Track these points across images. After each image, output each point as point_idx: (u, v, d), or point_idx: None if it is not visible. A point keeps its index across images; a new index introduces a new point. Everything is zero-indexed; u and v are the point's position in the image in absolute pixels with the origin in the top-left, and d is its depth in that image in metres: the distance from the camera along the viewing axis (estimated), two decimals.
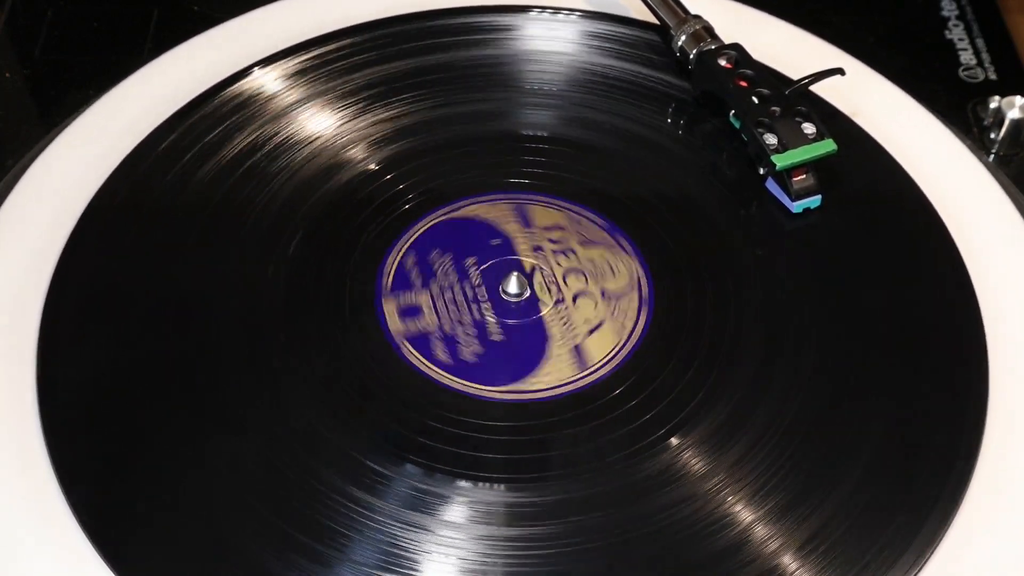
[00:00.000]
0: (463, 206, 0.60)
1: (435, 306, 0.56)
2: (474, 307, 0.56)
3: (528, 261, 0.58)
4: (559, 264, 0.58)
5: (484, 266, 0.58)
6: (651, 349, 0.55)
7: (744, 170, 0.62)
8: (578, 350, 0.55)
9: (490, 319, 0.56)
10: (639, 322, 0.56)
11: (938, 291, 0.57)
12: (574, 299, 0.57)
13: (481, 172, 0.62)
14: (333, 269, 0.58)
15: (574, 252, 0.58)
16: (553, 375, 0.54)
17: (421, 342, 0.55)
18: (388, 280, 0.56)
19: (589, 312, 0.56)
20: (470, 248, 0.58)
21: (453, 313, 0.56)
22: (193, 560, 0.48)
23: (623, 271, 0.58)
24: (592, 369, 0.54)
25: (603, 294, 0.57)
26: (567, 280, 0.58)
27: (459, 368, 0.54)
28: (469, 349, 0.55)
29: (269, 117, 0.63)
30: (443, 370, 0.54)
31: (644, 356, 0.55)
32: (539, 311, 0.56)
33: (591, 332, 0.56)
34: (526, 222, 0.59)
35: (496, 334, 0.55)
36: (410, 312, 0.56)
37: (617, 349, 0.55)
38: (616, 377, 0.54)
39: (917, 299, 0.57)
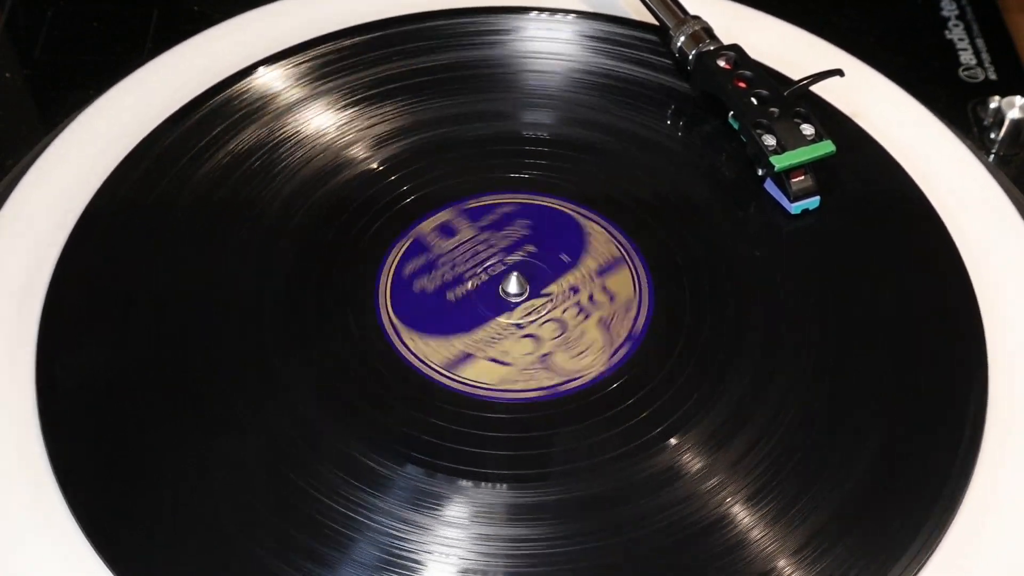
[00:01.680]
0: (414, 234, 0.60)
1: (463, 242, 0.58)
2: (476, 270, 0.58)
3: (555, 289, 0.57)
4: (563, 312, 0.57)
5: (529, 260, 0.58)
6: (650, 349, 0.55)
7: (743, 171, 0.62)
8: (469, 358, 0.55)
9: (468, 286, 0.57)
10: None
11: (938, 291, 0.57)
12: (524, 336, 0.56)
13: (481, 172, 0.62)
14: (333, 269, 0.58)
15: (586, 318, 0.57)
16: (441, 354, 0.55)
17: (417, 247, 0.58)
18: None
19: (519, 348, 0.56)
20: (546, 242, 0.59)
21: (461, 256, 0.58)
22: (193, 560, 0.48)
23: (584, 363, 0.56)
24: (572, 377, 0.54)
25: (542, 357, 0.56)
26: (545, 325, 0.56)
27: (402, 284, 0.56)
28: (425, 283, 0.57)
29: (269, 117, 0.63)
30: (392, 276, 0.56)
31: (643, 356, 0.55)
32: (496, 315, 0.57)
33: (492, 359, 0.55)
34: (602, 271, 0.58)
35: (454, 296, 0.57)
36: (447, 230, 0.58)
37: (636, 284, 0.57)
38: (616, 377, 0.54)
39: (916, 299, 0.57)
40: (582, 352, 0.55)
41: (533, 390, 0.54)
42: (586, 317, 0.56)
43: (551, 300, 0.57)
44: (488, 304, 0.57)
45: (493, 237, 0.59)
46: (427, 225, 0.58)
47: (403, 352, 0.55)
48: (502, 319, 0.56)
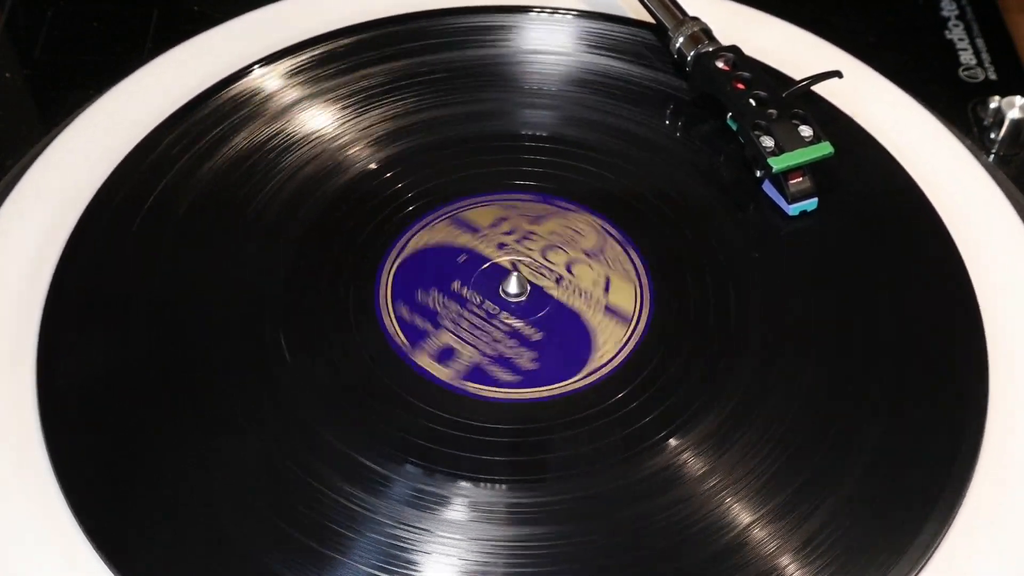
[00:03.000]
0: (424, 227, 0.59)
1: (463, 338, 0.55)
2: (496, 322, 0.56)
3: (504, 260, 0.58)
4: (530, 248, 0.58)
5: (471, 282, 0.57)
6: (650, 349, 0.55)
7: (742, 172, 0.62)
8: (610, 309, 0.55)
9: (517, 324, 0.56)
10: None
11: (938, 291, 0.57)
12: (568, 269, 0.57)
13: (481, 172, 0.62)
14: (333, 269, 0.58)
15: (534, 233, 0.59)
16: (611, 342, 0.55)
17: (479, 375, 0.54)
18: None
19: (589, 274, 0.57)
20: (445, 275, 0.58)
21: (483, 336, 0.56)
22: (193, 560, 0.48)
23: (585, 227, 0.58)
24: (636, 319, 0.55)
25: (587, 254, 0.57)
26: (549, 258, 0.58)
27: (531, 378, 0.54)
28: (524, 358, 0.55)
29: (269, 117, 0.63)
30: (518, 387, 0.54)
31: (643, 356, 0.55)
32: (550, 296, 0.56)
33: (607, 289, 0.56)
34: (472, 228, 0.59)
35: (534, 334, 0.55)
36: (446, 355, 0.55)
37: (639, 294, 0.56)
38: (615, 377, 0.54)
39: (917, 299, 0.57)
40: (617, 310, 0.56)
41: (602, 366, 0.54)
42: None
43: (550, 287, 0.57)
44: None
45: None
46: (444, 375, 0.55)
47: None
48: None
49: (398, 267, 0.57)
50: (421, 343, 0.55)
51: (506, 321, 0.56)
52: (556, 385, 0.54)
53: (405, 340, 0.55)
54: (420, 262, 0.58)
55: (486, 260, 0.58)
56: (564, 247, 0.58)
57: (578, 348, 0.55)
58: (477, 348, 0.55)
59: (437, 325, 0.56)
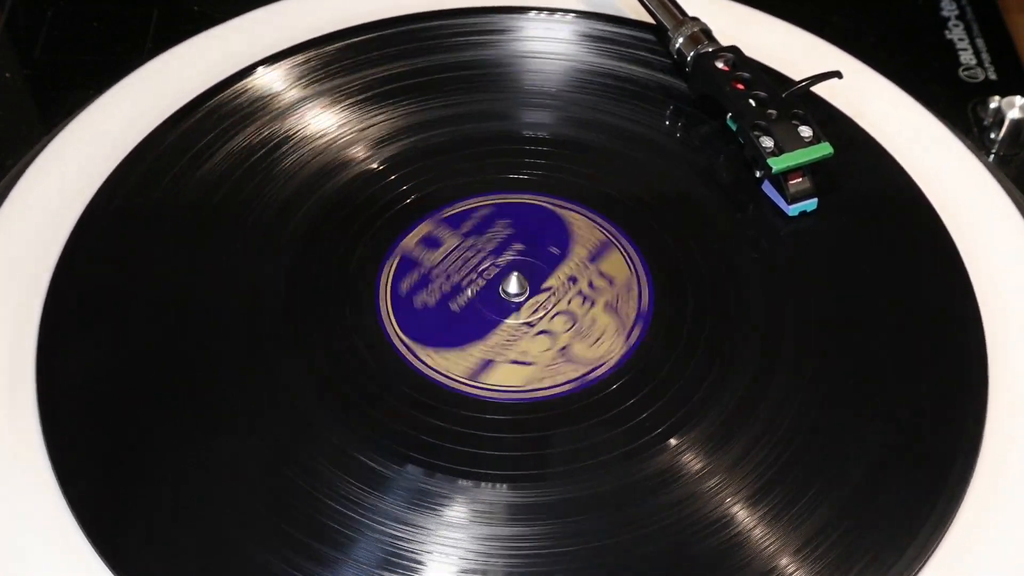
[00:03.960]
0: (399, 251, 0.59)
1: (450, 251, 0.58)
2: (471, 276, 0.57)
3: (554, 282, 0.58)
4: (568, 303, 0.57)
5: (519, 258, 0.58)
6: (650, 348, 0.55)
7: (742, 172, 0.62)
8: (488, 364, 0.55)
9: (467, 293, 0.57)
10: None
11: (938, 291, 0.57)
12: (538, 333, 0.56)
13: (481, 172, 0.62)
14: (333, 269, 0.58)
15: (592, 305, 0.57)
16: (608, 341, 0.55)
17: (407, 265, 0.57)
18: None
19: (534, 348, 0.56)
20: (533, 238, 0.59)
21: (453, 266, 0.57)
22: (193, 560, 0.48)
23: (604, 347, 0.56)
24: (637, 317, 0.55)
25: (562, 349, 0.55)
26: (555, 319, 0.57)
27: (402, 302, 0.56)
28: (425, 298, 0.56)
29: (269, 117, 0.63)
30: (391, 298, 0.56)
31: (643, 356, 0.55)
32: (504, 317, 0.56)
33: (513, 361, 0.55)
34: (594, 256, 0.59)
35: (456, 305, 0.56)
36: (431, 242, 0.57)
37: (637, 293, 0.56)
38: (615, 377, 0.54)
39: (916, 299, 0.57)
40: (598, 339, 0.55)
41: (533, 390, 0.54)
42: (592, 304, 0.56)
43: (553, 294, 0.57)
44: (493, 308, 0.57)
45: (479, 241, 0.59)
46: (410, 240, 0.58)
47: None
48: (511, 320, 0.56)
49: (530, 205, 0.59)
50: (443, 226, 0.58)
51: (471, 284, 0.57)
52: (554, 384, 0.54)
53: (401, 334, 0.55)
54: (549, 218, 0.59)
55: (552, 267, 0.58)
56: (571, 328, 0.56)
57: (444, 337, 0.55)
58: (439, 263, 0.58)
59: (468, 234, 0.58)
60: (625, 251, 0.59)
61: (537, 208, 0.60)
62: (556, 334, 0.56)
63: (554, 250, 0.58)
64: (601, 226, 0.59)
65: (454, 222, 0.59)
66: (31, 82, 0.71)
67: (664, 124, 0.65)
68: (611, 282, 0.56)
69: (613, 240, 0.58)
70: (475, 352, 0.55)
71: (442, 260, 0.57)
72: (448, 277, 0.57)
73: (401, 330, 0.55)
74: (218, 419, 0.52)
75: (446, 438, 0.52)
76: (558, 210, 0.59)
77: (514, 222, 0.59)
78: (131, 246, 0.58)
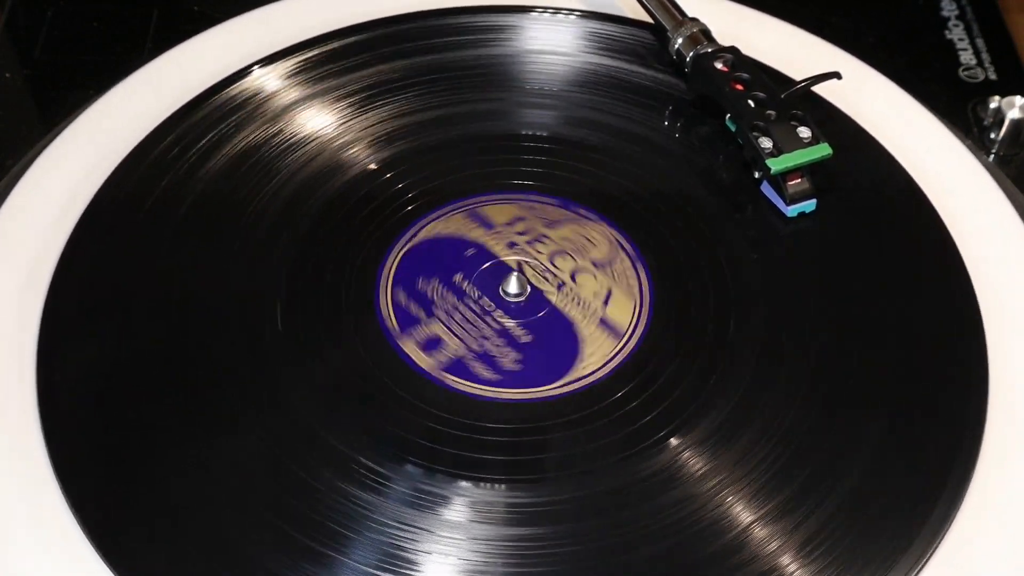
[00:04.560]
0: (438, 217, 0.59)
1: (452, 331, 0.56)
2: (488, 319, 0.56)
3: (511, 259, 0.58)
4: (539, 252, 0.58)
5: (474, 277, 0.58)
6: (650, 349, 0.55)
7: (741, 173, 0.62)
8: (605, 322, 0.55)
9: (509, 324, 0.56)
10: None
11: (937, 291, 0.57)
12: (572, 277, 0.57)
13: (480, 172, 0.62)
14: (333, 269, 0.58)
15: (547, 236, 0.59)
16: (597, 353, 0.55)
17: (459, 368, 0.54)
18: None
19: (593, 285, 0.57)
20: (449, 266, 0.58)
21: (472, 331, 0.56)
22: (193, 560, 0.48)
23: (599, 238, 0.58)
24: (629, 335, 0.55)
25: (595, 264, 0.57)
26: (556, 263, 0.58)
27: (510, 379, 0.54)
28: (508, 359, 0.55)
29: (269, 117, 0.63)
30: (495, 386, 0.54)
31: (643, 356, 0.55)
32: (548, 301, 0.57)
33: (606, 302, 0.56)
34: (487, 224, 0.59)
35: (523, 336, 0.55)
36: (432, 344, 0.55)
37: (637, 310, 0.56)
38: (616, 377, 0.54)
39: (916, 299, 0.57)
40: (611, 324, 0.55)
41: (587, 375, 0.54)
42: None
43: (550, 292, 0.57)
44: (531, 311, 0.57)
45: (458, 303, 0.57)
46: (423, 362, 0.55)
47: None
48: (554, 297, 0.57)
49: (405, 253, 0.58)
50: (411, 330, 0.55)
51: (499, 319, 0.56)
52: (535, 389, 0.54)
53: (396, 325, 0.55)
54: (428, 250, 0.58)
55: (493, 257, 0.58)
56: (574, 254, 0.58)
57: (563, 357, 0.55)
58: (464, 342, 0.55)
59: (430, 314, 0.56)
60: (625, 251, 0.59)
61: (417, 250, 0.58)
62: (578, 266, 0.57)
63: (469, 252, 0.58)
64: (557, 205, 0.59)
65: (406, 322, 0.56)
66: (31, 82, 0.71)
67: (663, 124, 0.65)
68: (522, 218, 0.56)
69: (574, 213, 0.58)
70: (589, 330, 0.55)
71: (460, 341, 0.55)
72: (487, 339, 0.55)
73: (396, 319, 0.55)
74: (218, 418, 0.52)
75: (446, 438, 0.52)
76: (424, 234, 0.58)
77: (427, 276, 0.57)
78: (131, 246, 0.58)
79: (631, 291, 0.56)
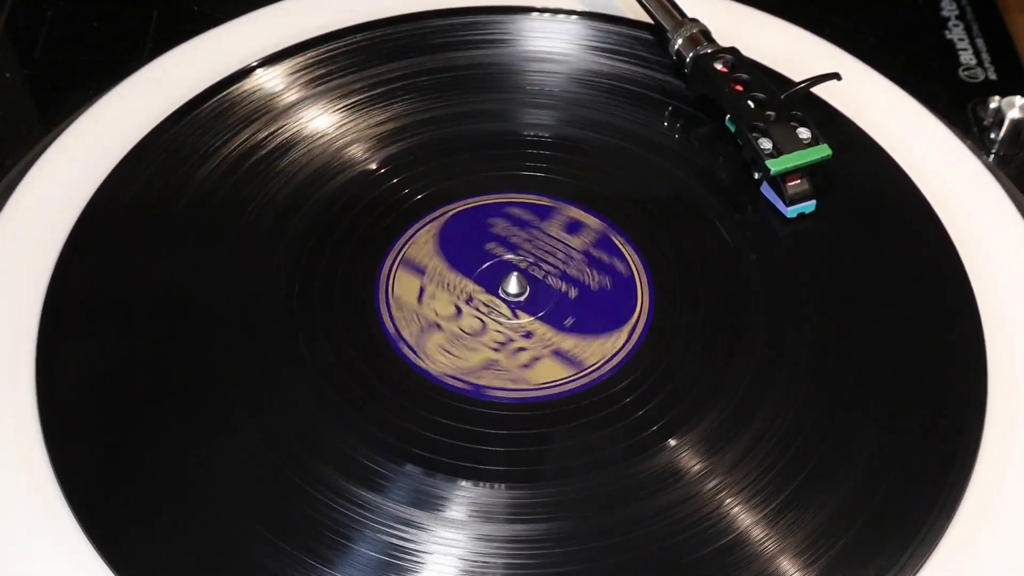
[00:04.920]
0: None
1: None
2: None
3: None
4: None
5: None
6: (650, 349, 0.55)
7: (741, 173, 0.62)
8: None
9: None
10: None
11: (937, 291, 0.57)
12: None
13: (481, 173, 0.62)
14: (333, 269, 0.58)
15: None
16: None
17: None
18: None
19: None
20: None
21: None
22: (193, 559, 0.48)
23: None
24: (637, 318, 0.56)
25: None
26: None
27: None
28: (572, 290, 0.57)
29: (269, 117, 0.63)
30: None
31: (643, 356, 0.55)
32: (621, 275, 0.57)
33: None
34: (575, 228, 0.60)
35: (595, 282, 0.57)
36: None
37: (637, 295, 0.56)
38: (616, 377, 0.54)
39: (916, 299, 0.57)
40: (449, 353, 0.55)
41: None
42: (494, 350, 0.55)
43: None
44: (490, 274, 0.57)
45: (578, 263, 0.58)
46: (572, 210, 0.58)
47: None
48: (473, 286, 0.57)
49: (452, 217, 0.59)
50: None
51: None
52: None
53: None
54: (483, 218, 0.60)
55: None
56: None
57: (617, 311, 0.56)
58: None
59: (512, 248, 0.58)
60: (625, 251, 0.59)
61: (633, 303, 0.58)
62: (459, 317, 0.56)
63: (568, 321, 0.57)
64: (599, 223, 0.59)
65: (601, 244, 0.58)
66: (31, 82, 0.71)
67: (663, 125, 0.65)
68: (525, 367, 0.55)
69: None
70: (433, 262, 0.57)
71: (551, 237, 0.58)
72: (528, 240, 0.58)
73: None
74: (218, 419, 0.52)
75: (446, 438, 0.52)
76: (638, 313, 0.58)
77: (609, 290, 0.58)
78: (131, 246, 0.58)
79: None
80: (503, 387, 0.54)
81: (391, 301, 0.57)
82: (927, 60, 0.74)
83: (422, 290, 0.56)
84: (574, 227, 0.59)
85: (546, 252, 0.59)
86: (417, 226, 0.59)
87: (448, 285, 0.57)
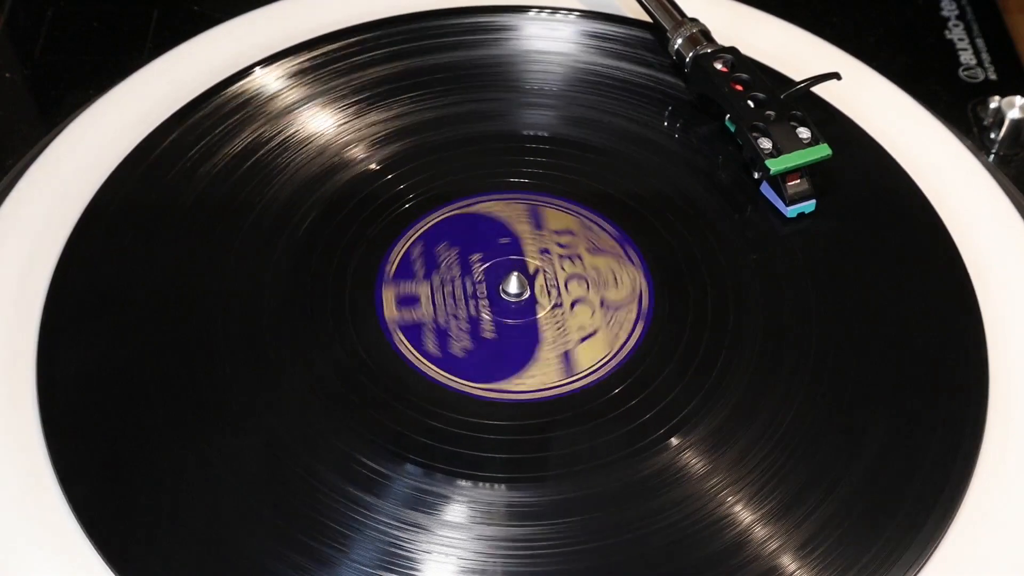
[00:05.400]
0: (467, 205, 0.60)
1: (433, 298, 0.56)
2: (471, 303, 0.57)
3: (533, 263, 0.58)
4: (563, 269, 0.58)
5: (488, 264, 0.58)
6: (651, 349, 0.55)
7: (741, 173, 0.62)
8: (567, 356, 0.55)
9: (485, 316, 0.56)
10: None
11: (938, 292, 0.57)
12: (572, 305, 0.57)
13: (481, 172, 0.62)
14: (333, 269, 0.58)
15: (580, 258, 0.58)
16: (537, 378, 0.54)
17: (413, 332, 0.55)
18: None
19: (585, 319, 0.56)
20: (478, 244, 0.58)
21: (450, 307, 0.56)
22: (193, 560, 0.48)
23: (626, 283, 0.57)
24: (577, 377, 0.54)
25: (602, 303, 0.57)
26: (569, 286, 0.58)
27: (445, 361, 0.54)
28: (459, 344, 0.55)
29: (269, 117, 0.63)
30: (430, 362, 0.54)
31: (644, 356, 0.55)
32: (535, 313, 0.57)
33: (583, 340, 0.56)
34: (538, 224, 0.59)
35: (489, 332, 0.56)
36: (408, 301, 0.56)
37: (606, 359, 0.55)
38: (616, 377, 0.54)
39: (917, 299, 0.57)
40: (616, 279, 0.56)
41: (514, 391, 0.54)
42: (579, 258, 0.56)
43: (544, 272, 0.57)
44: (516, 315, 0.57)
45: (443, 276, 0.58)
46: (390, 311, 0.56)
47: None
48: (541, 314, 0.57)
49: (447, 218, 0.59)
50: (400, 281, 0.56)
51: (480, 308, 0.56)
52: (461, 380, 0.54)
53: (393, 272, 0.56)
54: (472, 223, 0.59)
55: (520, 254, 0.58)
56: (591, 284, 0.57)
57: (504, 366, 0.55)
58: (434, 311, 0.56)
59: (427, 275, 0.57)
60: (625, 252, 0.59)
61: (455, 219, 0.59)
62: (586, 297, 0.56)
63: (503, 240, 0.58)
64: (613, 236, 0.59)
65: (402, 272, 0.57)
66: (31, 82, 0.71)
67: (663, 125, 0.65)
68: (572, 233, 0.56)
69: (623, 249, 0.58)
70: (547, 355, 0.55)
71: (433, 309, 0.56)
72: (456, 318, 0.56)
73: (411, 345, 0.55)
74: (218, 419, 0.52)
75: (446, 438, 0.52)
76: (472, 208, 0.59)
77: (452, 243, 0.59)
78: (131, 246, 0.58)
79: (614, 341, 0.56)
80: (485, 384, 0.54)
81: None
82: (927, 60, 0.74)
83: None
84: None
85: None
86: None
87: (463, 258, 0.57)
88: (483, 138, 0.63)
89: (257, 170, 0.61)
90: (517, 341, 0.56)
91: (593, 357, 0.55)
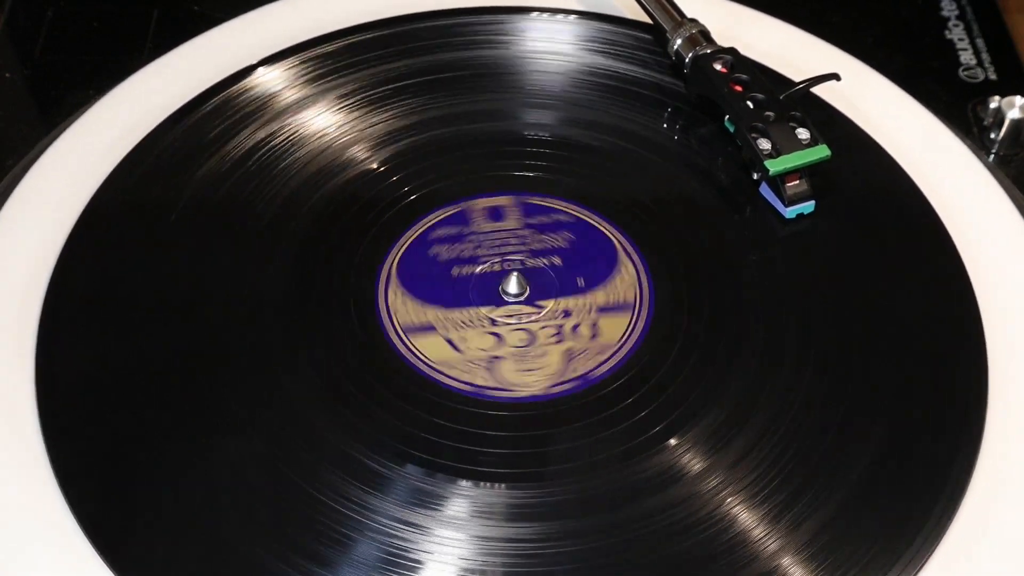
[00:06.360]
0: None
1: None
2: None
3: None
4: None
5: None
6: (650, 349, 0.55)
7: (740, 173, 0.62)
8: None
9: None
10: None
11: (938, 292, 0.57)
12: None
13: (481, 172, 0.62)
14: (333, 269, 0.58)
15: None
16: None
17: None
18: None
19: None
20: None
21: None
22: (193, 560, 0.48)
23: (626, 283, 0.57)
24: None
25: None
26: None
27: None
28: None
29: (269, 117, 0.63)
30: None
31: (643, 356, 0.55)
32: (536, 313, 0.56)
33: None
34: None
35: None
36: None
37: (606, 359, 0.55)
38: (616, 376, 0.54)
39: (916, 299, 0.57)
40: (531, 370, 0.55)
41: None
42: (558, 342, 0.56)
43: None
44: (481, 292, 0.57)
45: (532, 236, 0.59)
46: (479, 203, 0.59)
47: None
48: (483, 310, 0.56)
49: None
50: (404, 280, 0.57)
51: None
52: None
53: (399, 323, 0.56)
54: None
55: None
56: (590, 286, 0.58)
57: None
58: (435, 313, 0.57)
59: (429, 275, 0.58)
60: (625, 252, 0.59)
61: (607, 242, 0.59)
62: (504, 343, 0.56)
63: (580, 282, 0.58)
64: (640, 285, 0.58)
65: (530, 210, 0.60)
66: (31, 82, 0.71)
67: (663, 125, 0.65)
68: (594, 336, 0.56)
69: (636, 304, 0.57)
70: (429, 314, 0.56)
71: (488, 232, 0.58)
72: (477, 247, 0.58)
73: (398, 276, 0.55)
74: (218, 419, 0.52)
75: (446, 438, 0.52)
76: (622, 254, 0.58)
77: (576, 238, 0.59)
78: (131, 246, 0.58)
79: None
80: (442, 369, 0.54)
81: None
82: (927, 60, 0.74)
83: (449, 342, 0.56)
84: (496, 213, 0.60)
85: (500, 246, 0.59)
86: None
87: (463, 323, 0.56)
88: (483, 138, 0.63)
89: (257, 170, 0.61)
90: (447, 294, 0.57)
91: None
